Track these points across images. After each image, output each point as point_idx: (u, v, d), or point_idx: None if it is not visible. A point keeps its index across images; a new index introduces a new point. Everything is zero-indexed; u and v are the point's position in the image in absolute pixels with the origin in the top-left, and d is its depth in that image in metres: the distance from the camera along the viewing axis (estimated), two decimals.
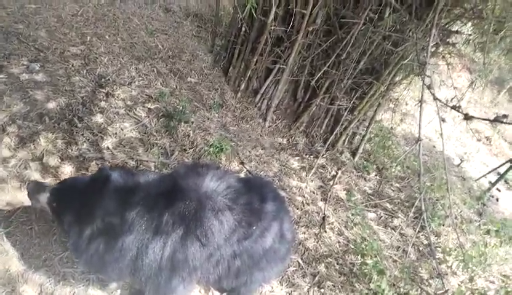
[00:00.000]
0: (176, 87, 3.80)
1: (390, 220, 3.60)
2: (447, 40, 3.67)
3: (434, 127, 5.48)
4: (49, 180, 2.49)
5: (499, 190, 5.15)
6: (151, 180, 1.93)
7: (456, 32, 3.59)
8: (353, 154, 4.21)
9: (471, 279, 3.15)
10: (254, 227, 1.94)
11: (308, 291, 2.66)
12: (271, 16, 3.52)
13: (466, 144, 6.03)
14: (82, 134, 2.88)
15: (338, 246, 3.09)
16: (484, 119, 2.90)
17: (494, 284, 3.40)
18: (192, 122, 3.44)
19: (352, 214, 3.43)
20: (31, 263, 2.14)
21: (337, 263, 2.94)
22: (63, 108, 3.00)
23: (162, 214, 1.77)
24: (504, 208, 4.87)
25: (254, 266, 2.01)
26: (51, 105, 2.98)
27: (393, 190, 4.00)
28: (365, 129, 4.19)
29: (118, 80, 3.48)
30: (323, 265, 2.88)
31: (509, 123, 2.95)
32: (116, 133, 3.03)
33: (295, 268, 2.77)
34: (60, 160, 2.66)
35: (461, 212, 4.08)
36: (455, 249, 3.37)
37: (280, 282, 2.64)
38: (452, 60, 3.90)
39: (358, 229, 3.29)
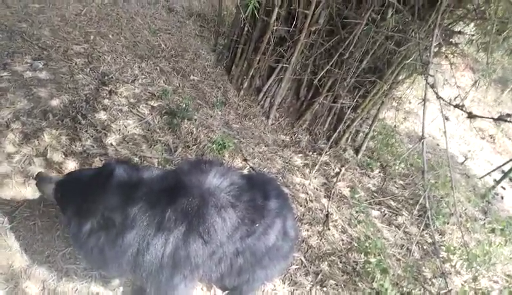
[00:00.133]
0: (179, 85, 3.81)
1: (394, 218, 3.58)
2: (450, 40, 3.66)
3: (437, 125, 5.46)
4: (56, 174, 2.49)
5: (504, 188, 5.12)
6: (154, 176, 1.93)
7: (459, 32, 3.58)
8: (356, 151, 4.20)
9: (475, 279, 3.12)
10: (257, 224, 1.93)
11: (310, 290, 2.65)
12: (274, 16, 3.53)
13: (470, 142, 6.01)
14: (86, 131, 2.89)
15: (341, 244, 3.08)
16: (487, 118, 2.89)
17: (498, 284, 3.37)
18: (196, 119, 3.44)
19: (356, 212, 3.42)
20: (34, 259, 2.14)
21: (340, 262, 2.93)
22: (66, 105, 3.01)
23: (164, 210, 1.77)
24: (509, 206, 4.84)
25: (256, 264, 2.00)
26: (55, 102, 2.99)
27: (397, 188, 3.98)
28: (369, 127, 4.17)
29: (121, 78, 3.49)
30: (326, 263, 2.86)
31: None
32: (119, 130, 3.04)
33: (297, 266, 2.76)
34: (63, 156, 2.67)
35: (465, 210, 4.06)
36: (459, 248, 3.34)
37: (282, 280, 2.63)
38: (455, 60, 3.88)
39: (362, 227, 3.28)
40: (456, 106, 2.77)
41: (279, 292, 2.56)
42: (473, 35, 3.49)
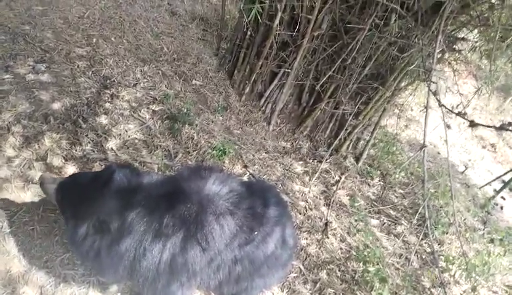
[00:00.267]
0: (181, 89, 3.81)
1: (393, 227, 3.58)
2: (453, 46, 3.66)
3: (439, 133, 5.44)
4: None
5: (503, 198, 5.11)
6: (153, 182, 1.93)
7: (463, 39, 3.58)
8: (357, 159, 4.20)
9: (474, 289, 3.12)
10: (256, 232, 1.93)
11: None
12: (277, 21, 3.52)
13: (471, 151, 5.99)
14: (87, 135, 2.89)
15: (340, 253, 3.07)
16: (489, 126, 2.88)
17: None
18: (196, 125, 3.44)
19: (355, 220, 3.41)
20: (32, 264, 2.14)
21: (339, 270, 2.92)
22: (67, 109, 3.02)
23: (162, 215, 1.77)
24: (508, 216, 4.83)
25: (255, 272, 1.99)
26: (56, 105, 2.99)
27: (397, 197, 3.98)
28: (370, 134, 4.17)
29: (123, 82, 3.49)
30: (325, 271, 2.86)
31: None
32: (120, 134, 3.04)
33: (296, 275, 2.76)
34: (63, 160, 2.67)
35: (465, 220, 4.05)
36: (458, 258, 3.34)
37: (281, 288, 2.62)
38: (457, 67, 3.88)
39: (361, 236, 3.27)
40: (458, 114, 2.76)
41: None
42: (476, 42, 3.49)
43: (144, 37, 4.22)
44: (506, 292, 3.34)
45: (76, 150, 2.76)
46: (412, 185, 4.20)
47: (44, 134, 2.74)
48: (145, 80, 3.66)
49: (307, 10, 3.45)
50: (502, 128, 3.19)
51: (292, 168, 3.70)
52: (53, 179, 2.07)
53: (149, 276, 1.81)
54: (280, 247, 2.06)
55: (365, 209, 3.63)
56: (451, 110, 2.84)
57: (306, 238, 3.04)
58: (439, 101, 2.67)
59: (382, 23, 3.29)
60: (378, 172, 4.17)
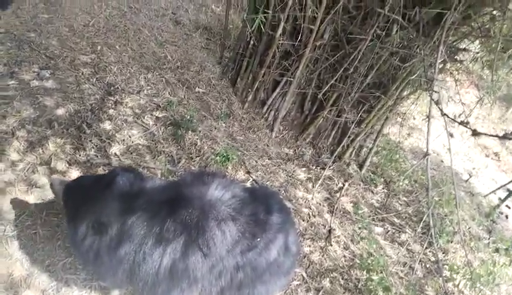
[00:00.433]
0: (184, 97, 3.83)
1: (397, 235, 3.55)
2: (455, 57, 3.68)
3: (442, 142, 5.44)
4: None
5: (508, 207, 5.07)
6: (155, 186, 1.93)
7: (464, 49, 3.60)
8: (360, 167, 4.19)
9: None
10: (258, 239, 1.91)
11: None
12: (279, 31, 3.56)
13: (474, 159, 5.97)
14: (90, 141, 2.90)
15: (343, 261, 3.04)
16: (492, 135, 2.88)
17: None
18: (200, 131, 3.45)
19: (359, 228, 3.39)
20: (34, 268, 2.13)
21: (342, 278, 2.89)
22: (72, 114, 3.03)
23: (163, 220, 1.76)
24: None
25: (257, 279, 1.97)
26: (60, 111, 3.01)
27: (401, 204, 3.96)
28: (373, 142, 4.17)
29: (127, 89, 3.51)
30: (328, 279, 2.83)
31: None
32: (123, 140, 3.05)
33: (299, 282, 2.73)
34: (67, 165, 2.68)
35: (469, 228, 4.01)
36: (463, 267, 3.30)
37: None
38: (459, 77, 3.89)
39: (364, 243, 3.24)
40: (460, 123, 2.77)
41: None
42: (478, 52, 3.50)
43: (148, 45, 4.26)
44: None
45: (79, 155, 2.77)
46: (415, 193, 4.18)
47: (48, 139, 2.75)
48: (149, 87, 3.68)
49: (309, 21, 3.49)
50: (505, 137, 3.19)
51: (295, 175, 3.69)
52: (62, 181, 2.11)
53: (149, 281, 1.80)
54: (283, 255, 2.04)
55: (369, 216, 3.61)
56: (454, 119, 2.84)
57: (309, 246, 3.02)
58: (441, 110, 2.68)
59: (384, 33, 3.31)
60: (382, 179, 4.15)
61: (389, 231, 3.56)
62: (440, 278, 3.14)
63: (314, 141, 4.24)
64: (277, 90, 4.06)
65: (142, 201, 1.81)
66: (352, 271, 2.97)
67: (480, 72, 6.51)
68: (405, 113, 4.90)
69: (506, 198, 4.86)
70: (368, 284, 2.81)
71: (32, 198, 2.40)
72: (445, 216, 3.89)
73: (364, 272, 2.96)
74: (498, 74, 3.83)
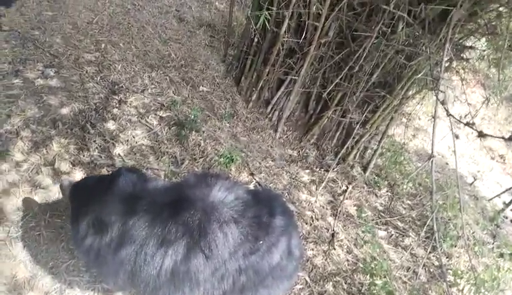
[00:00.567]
0: (188, 96, 3.82)
1: (401, 239, 3.53)
2: (461, 55, 3.63)
3: (447, 144, 5.39)
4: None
5: None
6: (158, 187, 1.93)
7: (470, 47, 3.55)
8: (364, 169, 4.16)
9: None
10: (261, 242, 1.91)
11: None
12: (284, 28, 3.52)
13: (480, 162, 5.92)
14: (94, 141, 2.89)
15: (346, 265, 3.03)
16: (498, 137, 2.84)
17: None
18: (203, 131, 3.43)
19: (363, 232, 3.37)
20: (38, 269, 2.14)
21: (345, 283, 2.88)
22: (76, 114, 3.03)
23: (164, 221, 1.76)
24: None
25: (260, 283, 1.96)
26: (64, 110, 3.01)
27: (404, 208, 3.93)
28: (377, 143, 4.14)
29: (131, 88, 3.50)
30: (331, 284, 2.82)
31: None
32: (127, 140, 3.04)
33: (302, 286, 2.72)
34: (71, 166, 2.68)
35: (473, 233, 3.99)
36: (467, 272, 3.28)
37: None
38: (465, 75, 3.85)
39: (368, 247, 3.23)
40: (466, 124, 2.73)
41: None
42: (484, 50, 3.46)
43: (152, 43, 4.24)
44: None
45: (83, 156, 2.76)
46: (420, 196, 4.15)
47: (52, 139, 2.75)
48: (153, 86, 3.67)
49: (314, 18, 3.45)
50: (511, 139, 3.15)
51: (299, 177, 3.67)
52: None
53: (150, 283, 1.80)
54: (286, 258, 2.03)
55: (373, 220, 3.59)
56: (459, 120, 2.81)
57: (313, 249, 3.01)
58: (447, 110, 2.64)
59: (389, 30, 3.27)
60: (386, 182, 4.13)
61: (392, 235, 3.54)
62: (444, 283, 3.12)
63: (318, 142, 4.22)
64: (282, 89, 4.03)
65: (144, 201, 1.81)
66: (355, 276, 2.96)
67: (487, 71, 6.45)
68: (410, 113, 4.87)
69: (510, 202, 4.82)
70: (372, 289, 2.80)
71: (36, 199, 2.40)
72: (449, 220, 3.86)
73: (367, 276, 2.94)
74: (504, 72, 3.79)
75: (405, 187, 4.16)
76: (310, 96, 4.16)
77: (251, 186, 3.22)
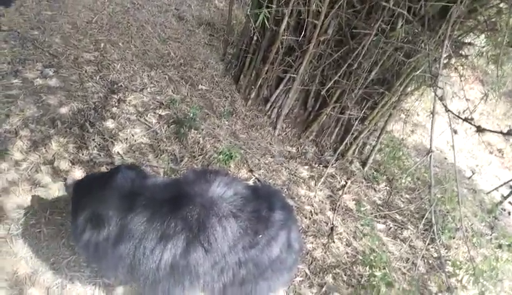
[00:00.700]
0: (188, 94, 3.83)
1: (400, 231, 3.55)
2: (460, 52, 3.64)
3: (445, 139, 5.41)
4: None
5: (511, 204, 5.05)
6: (157, 183, 1.95)
7: (469, 44, 3.56)
8: (363, 164, 4.18)
9: (482, 294, 3.09)
10: (260, 235, 1.93)
11: None
12: (283, 26, 3.54)
13: (478, 156, 5.94)
14: (93, 139, 2.91)
15: (346, 257, 3.05)
16: (496, 132, 2.86)
17: None
18: (203, 129, 3.45)
19: (362, 225, 3.39)
20: (39, 266, 2.16)
21: (345, 274, 2.90)
22: (75, 113, 3.05)
23: (163, 216, 1.78)
24: None
25: (259, 276, 1.99)
26: (63, 110, 3.03)
27: (403, 202, 3.95)
28: (376, 139, 4.15)
29: (130, 87, 3.52)
30: (330, 275, 2.84)
31: None
32: (126, 139, 3.06)
33: (302, 279, 2.74)
34: (70, 164, 2.70)
35: (472, 225, 4.01)
36: (466, 263, 3.30)
37: (287, 292, 2.61)
38: (464, 72, 3.86)
39: (367, 240, 3.25)
40: (465, 119, 2.75)
41: None
42: (483, 47, 3.47)
43: (151, 42, 4.26)
44: None
45: (82, 154, 2.78)
46: (418, 190, 4.17)
47: (51, 138, 2.77)
48: (152, 85, 3.69)
49: (313, 15, 3.47)
50: (509, 133, 3.18)
51: (298, 173, 3.69)
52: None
53: (150, 276, 1.82)
54: (286, 251, 2.05)
55: (371, 213, 3.61)
56: (458, 116, 2.83)
57: (312, 242, 3.03)
58: (445, 106, 2.67)
59: (388, 28, 3.28)
60: (384, 177, 4.15)
61: (391, 228, 3.56)
62: (443, 274, 3.15)
63: (317, 138, 4.23)
64: (281, 87, 4.05)
65: (142, 197, 1.83)
66: (354, 268, 2.98)
67: (486, 67, 6.47)
68: (408, 109, 4.89)
69: (509, 194, 4.83)
70: (371, 280, 2.82)
71: (36, 197, 2.42)
72: (447, 212, 3.88)
73: (367, 268, 2.96)
74: (503, 69, 3.80)
75: (403, 181, 4.17)
76: (309, 93, 4.17)
77: (250, 182, 3.23)
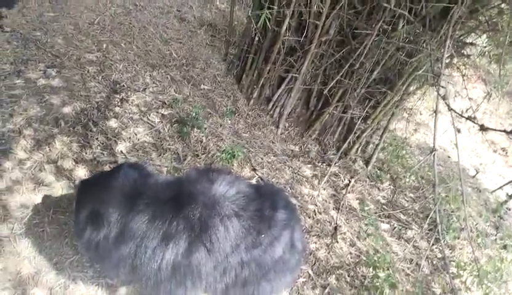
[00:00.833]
0: (190, 94, 3.83)
1: (404, 231, 3.53)
2: (462, 51, 3.63)
3: (449, 137, 5.38)
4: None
5: None
6: (160, 181, 1.94)
7: (471, 44, 3.55)
8: (366, 163, 4.16)
9: None
10: (263, 235, 1.91)
11: None
12: (285, 27, 3.54)
13: (482, 155, 5.90)
14: (97, 138, 2.92)
15: (349, 258, 3.04)
16: (499, 130, 2.84)
17: None
18: (205, 128, 3.45)
19: (365, 225, 3.38)
20: (42, 265, 2.16)
21: (348, 275, 2.89)
22: (78, 112, 3.05)
23: (165, 214, 1.77)
24: None
25: (262, 276, 1.97)
26: (66, 109, 3.03)
27: (407, 201, 3.93)
28: (379, 138, 4.14)
29: (132, 86, 3.52)
30: (334, 276, 2.82)
31: None
32: (129, 138, 3.06)
33: (305, 280, 2.73)
34: (74, 163, 2.70)
35: (476, 225, 3.98)
36: (470, 264, 3.28)
37: (289, 293, 2.60)
38: (466, 71, 3.85)
39: (371, 240, 3.23)
40: (468, 118, 2.74)
41: None
42: (485, 46, 3.46)
43: (153, 43, 4.26)
44: None
45: (86, 153, 2.78)
46: (422, 189, 4.14)
47: (54, 137, 2.77)
48: (154, 84, 3.69)
49: (314, 16, 3.46)
50: None
51: (301, 171, 3.68)
52: None
53: (152, 276, 1.81)
54: (289, 252, 2.04)
55: (375, 213, 3.59)
56: (461, 115, 2.82)
57: (315, 242, 3.02)
58: (448, 105, 2.65)
59: (390, 28, 3.28)
60: (388, 176, 4.13)
61: (395, 227, 3.54)
62: (447, 275, 3.12)
63: (320, 137, 4.22)
64: (283, 87, 4.04)
65: (145, 196, 1.82)
66: (358, 268, 2.96)
67: (488, 66, 6.44)
68: (411, 108, 4.85)
69: None
70: (375, 281, 2.80)
71: (39, 197, 2.42)
72: (451, 212, 3.86)
73: (370, 269, 2.94)
74: (505, 68, 3.78)
75: (407, 180, 4.15)
76: (311, 93, 4.17)
77: (253, 181, 3.23)
